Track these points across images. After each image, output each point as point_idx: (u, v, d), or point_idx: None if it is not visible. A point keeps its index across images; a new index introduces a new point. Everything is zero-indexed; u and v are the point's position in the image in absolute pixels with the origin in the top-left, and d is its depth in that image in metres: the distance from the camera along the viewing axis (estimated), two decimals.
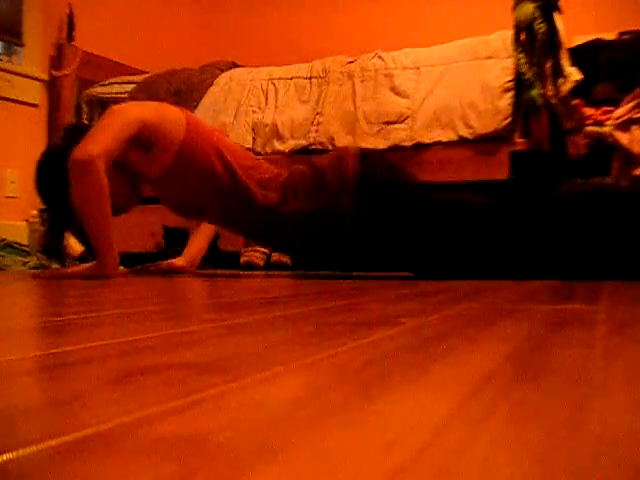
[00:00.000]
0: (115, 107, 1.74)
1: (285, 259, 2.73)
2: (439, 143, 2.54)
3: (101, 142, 1.63)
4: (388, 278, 1.69)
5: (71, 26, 3.29)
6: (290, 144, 2.77)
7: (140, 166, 1.78)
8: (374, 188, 1.71)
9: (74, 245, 2.60)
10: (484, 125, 2.46)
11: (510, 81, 2.47)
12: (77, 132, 1.93)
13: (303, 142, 2.75)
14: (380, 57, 2.82)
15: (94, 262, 1.72)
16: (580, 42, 2.85)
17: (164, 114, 1.77)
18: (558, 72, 2.36)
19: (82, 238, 2.38)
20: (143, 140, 1.72)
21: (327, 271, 1.97)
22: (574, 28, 2.77)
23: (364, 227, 1.70)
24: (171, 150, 1.75)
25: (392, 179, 1.75)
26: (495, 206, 1.70)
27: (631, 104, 2.48)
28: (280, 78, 2.96)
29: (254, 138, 2.84)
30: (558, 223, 1.63)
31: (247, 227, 1.85)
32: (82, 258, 2.51)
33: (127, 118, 1.69)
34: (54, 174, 1.81)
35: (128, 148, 1.71)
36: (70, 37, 3.28)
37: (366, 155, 1.77)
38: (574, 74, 2.38)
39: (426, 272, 1.72)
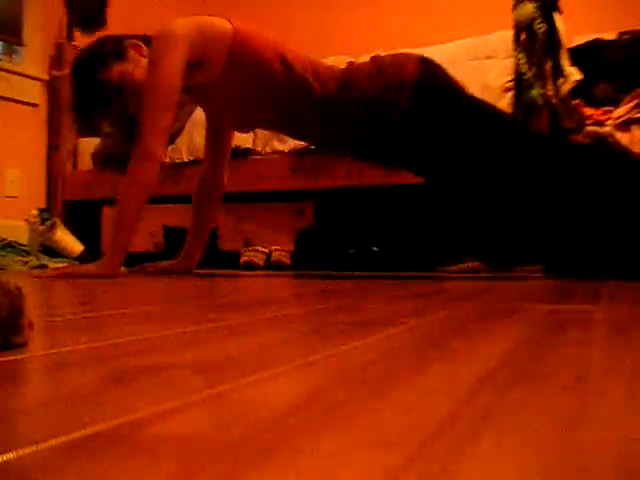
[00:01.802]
0: (162, 34, 1.74)
1: (285, 259, 2.73)
2: None
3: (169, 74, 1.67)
4: (388, 278, 1.68)
5: (71, 26, 3.29)
6: (290, 144, 2.77)
7: (193, 82, 1.80)
8: (430, 90, 1.74)
9: (73, 245, 2.60)
10: None
11: (510, 81, 2.47)
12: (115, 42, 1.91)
13: (303, 142, 2.75)
14: None
15: (95, 262, 1.72)
16: (580, 42, 2.85)
17: (209, 29, 1.78)
18: (558, 72, 2.36)
19: (83, 237, 2.37)
20: (193, 59, 1.74)
21: (378, 159, 1.99)
22: (574, 28, 2.77)
23: (415, 124, 1.73)
24: (220, 62, 1.77)
25: (448, 86, 1.79)
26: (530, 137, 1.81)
27: (631, 104, 2.48)
28: None
29: (254, 138, 2.84)
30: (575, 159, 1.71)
31: (301, 120, 1.84)
32: (81, 258, 2.51)
33: (181, 46, 1.71)
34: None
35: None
36: (70, 37, 3.28)
37: (427, 60, 1.81)
38: (574, 74, 2.38)
39: (457, 182, 1.78)
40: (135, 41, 1.85)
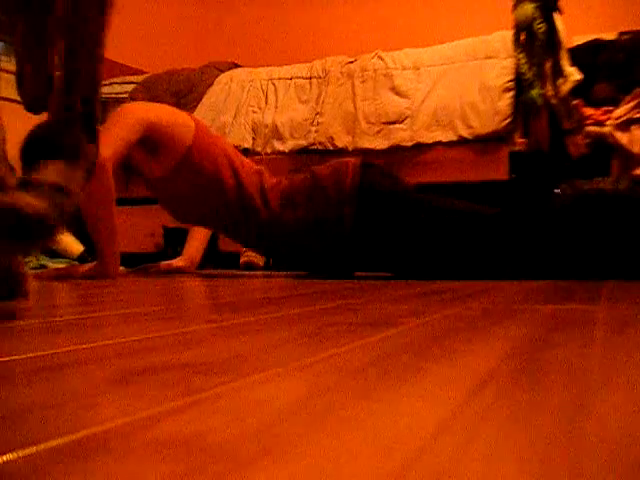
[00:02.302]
0: (125, 108, 1.74)
1: None
2: (439, 143, 2.54)
3: (112, 144, 1.64)
4: (388, 278, 1.69)
5: None
6: (290, 144, 2.78)
7: (142, 166, 1.79)
8: (373, 197, 1.72)
9: (73, 245, 2.60)
10: (484, 125, 2.46)
11: (510, 81, 2.47)
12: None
13: (303, 142, 2.76)
14: (380, 57, 2.82)
15: (95, 262, 1.72)
16: (580, 42, 2.85)
17: (173, 117, 1.78)
18: (558, 72, 2.36)
19: (83, 237, 2.38)
20: (149, 142, 1.73)
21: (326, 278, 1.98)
22: (574, 28, 2.77)
23: (364, 235, 1.71)
24: (177, 154, 1.76)
25: (391, 188, 1.75)
26: (494, 215, 1.69)
27: (631, 104, 2.48)
28: (280, 78, 2.96)
29: (254, 138, 2.84)
30: (558, 228, 1.64)
31: (246, 235, 1.85)
32: (81, 258, 2.51)
33: (137, 120, 1.70)
34: None
35: (133, 148, 1.72)
36: None
37: (365, 165, 1.78)
38: (574, 74, 2.38)
39: (426, 278, 1.73)
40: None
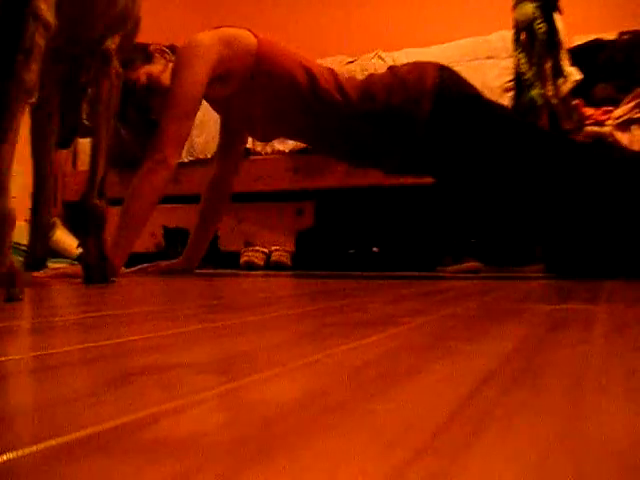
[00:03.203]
0: (189, 46, 1.76)
1: (285, 259, 2.73)
2: None
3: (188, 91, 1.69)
4: (388, 278, 1.69)
5: None
6: (290, 144, 2.77)
7: (214, 94, 1.82)
8: (451, 97, 1.77)
9: (73, 245, 2.60)
10: None
11: (510, 81, 2.47)
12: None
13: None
14: (380, 57, 2.82)
15: None
16: (580, 42, 2.85)
17: (234, 44, 1.80)
18: (558, 72, 2.36)
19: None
20: (217, 72, 1.78)
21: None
22: (574, 28, 2.77)
23: (437, 133, 1.75)
24: (244, 74, 1.79)
25: (468, 92, 1.81)
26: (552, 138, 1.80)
27: (631, 104, 2.48)
28: None
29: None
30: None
31: (325, 131, 1.87)
32: (80, 258, 2.50)
33: (204, 63, 1.73)
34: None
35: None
36: None
37: (445, 68, 1.83)
38: (574, 74, 2.38)
39: (470, 184, 1.79)
40: (161, 46, 1.89)
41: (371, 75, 1.89)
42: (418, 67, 1.83)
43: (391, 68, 1.88)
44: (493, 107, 1.82)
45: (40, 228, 2.10)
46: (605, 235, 1.64)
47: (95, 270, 1.46)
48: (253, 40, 1.82)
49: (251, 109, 1.86)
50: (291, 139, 2.07)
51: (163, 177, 1.67)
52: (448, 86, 1.77)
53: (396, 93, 1.78)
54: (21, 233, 2.89)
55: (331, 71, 1.89)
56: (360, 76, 2.77)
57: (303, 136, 1.94)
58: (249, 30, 1.86)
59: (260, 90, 1.81)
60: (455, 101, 1.76)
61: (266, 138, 2.06)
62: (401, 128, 1.77)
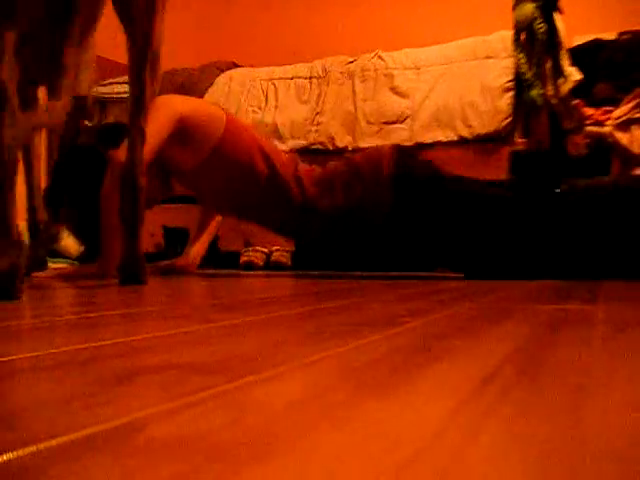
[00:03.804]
0: (157, 102, 1.75)
1: (285, 259, 2.73)
2: (439, 143, 2.54)
3: (149, 144, 1.66)
4: (388, 278, 1.69)
5: None
6: (290, 144, 2.77)
7: (175, 159, 1.80)
8: (410, 183, 1.73)
9: (72, 245, 2.60)
10: (484, 125, 2.46)
11: (510, 81, 2.47)
12: (114, 132, 1.94)
13: (303, 142, 2.76)
14: (380, 57, 2.82)
15: (96, 262, 1.73)
16: (580, 42, 2.85)
17: (204, 109, 1.79)
18: (558, 72, 2.36)
19: (83, 237, 2.38)
20: (181, 134, 1.75)
21: (360, 271, 2.00)
22: (574, 28, 2.77)
23: (400, 223, 1.72)
24: (208, 145, 1.77)
25: (427, 174, 1.77)
26: (519, 199, 1.73)
27: (631, 104, 2.48)
28: (280, 78, 2.96)
29: None
30: (565, 217, 1.67)
31: (282, 224, 1.86)
32: (80, 258, 2.51)
33: (170, 114, 1.71)
34: (84, 172, 1.85)
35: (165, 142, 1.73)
36: None
37: (400, 151, 1.80)
38: (574, 74, 2.38)
39: (458, 268, 1.75)
40: None
41: (328, 167, 1.84)
42: (373, 155, 1.78)
43: (347, 160, 1.84)
44: (456, 184, 1.76)
45: (38, 228, 2.10)
46: (605, 235, 1.64)
47: (131, 272, 1.43)
48: (222, 115, 1.80)
49: (210, 184, 1.83)
50: (245, 221, 2.04)
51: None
52: (405, 171, 1.73)
53: (354, 186, 1.74)
54: (21, 233, 2.88)
55: (292, 160, 1.86)
56: (359, 77, 2.78)
57: (259, 222, 1.92)
58: (220, 106, 1.87)
59: (221, 168, 1.78)
60: (415, 184, 1.72)
61: (219, 212, 2.05)
62: (361, 223, 1.74)
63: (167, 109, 1.71)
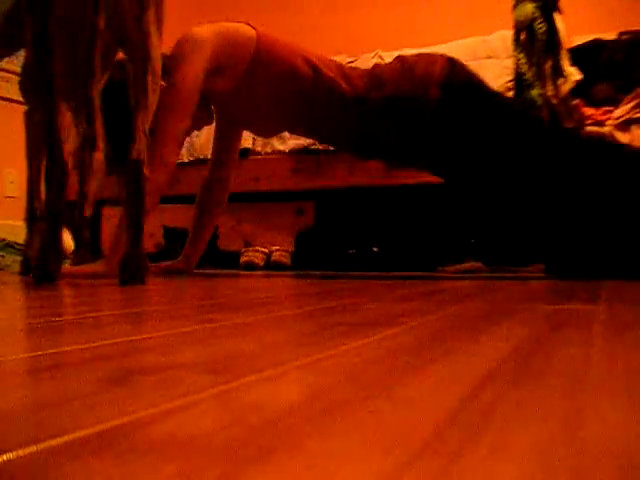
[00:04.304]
0: (186, 44, 1.75)
1: (285, 259, 2.73)
2: None
3: (191, 88, 1.69)
4: (388, 278, 1.68)
5: None
6: (290, 144, 2.77)
7: (212, 87, 1.81)
8: (458, 86, 1.76)
9: (67, 242, 2.60)
10: None
11: (510, 81, 2.47)
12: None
13: (303, 142, 2.76)
14: (380, 57, 2.82)
15: (96, 262, 1.73)
16: (580, 42, 2.85)
17: (232, 36, 1.79)
18: (558, 72, 2.36)
19: (77, 232, 2.38)
20: (215, 64, 1.76)
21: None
22: (574, 28, 2.77)
23: (443, 123, 1.74)
24: (242, 67, 1.78)
25: (475, 84, 1.80)
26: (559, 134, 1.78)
27: (631, 104, 2.48)
28: None
29: (254, 138, 2.84)
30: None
31: (331, 121, 1.85)
32: (74, 257, 2.50)
33: (202, 54, 1.72)
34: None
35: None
36: None
37: (453, 60, 1.82)
38: (574, 74, 2.38)
39: (478, 181, 1.77)
40: None
41: (377, 65, 1.87)
42: (426, 57, 1.82)
43: (399, 57, 1.86)
44: (500, 100, 1.80)
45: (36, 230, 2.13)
46: (605, 235, 1.64)
47: (131, 271, 1.46)
48: (252, 33, 1.81)
49: (253, 103, 1.85)
50: (294, 133, 2.04)
51: (163, 177, 1.66)
52: (456, 77, 1.76)
53: (404, 81, 1.77)
54: (21, 233, 2.89)
55: (335, 62, 1.88)
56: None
57: (306, 129, 1.92)
58: (248, 24, 1.86)
59: (261, 83, 1.80)
60: (462, 92, 1.75)
61: (268, 133, 2.04)
62: (408, 117, 1.76)
63: (199, 49, 1.72)
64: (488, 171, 1.75)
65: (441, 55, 1.83)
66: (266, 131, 2.01)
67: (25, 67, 1.63)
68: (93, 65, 1.34)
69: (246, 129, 2.06)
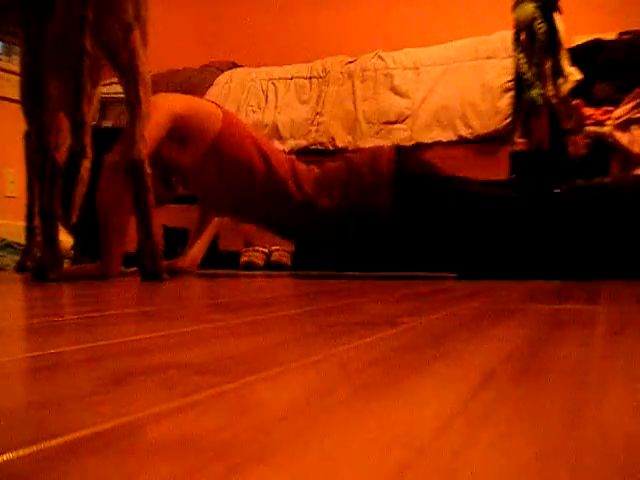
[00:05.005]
0: (153, 102, 1.75)
1: (285, 259, 2.73)
2: (439, 143, 2.54)
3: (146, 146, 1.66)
4: (388, 278, 1.69)
5: None
6: (290, 144, 2.78)
7: (173, 158, 1.80)
8: (410, 183, 1.72)
9: (65, 241, 2.59)
10: (484, 125, 2.46)
11: (510, 81, 2.47)
12: (104, 136, 1.96)
13: (303, 142, 2.76)
14: (380, 57, 2.82)
15: (96, 262, 1.73)
16: (580, 42, 2.85)
17: (199, 107, 1.79)
18: (558, 72, 2.36)
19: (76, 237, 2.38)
20: (177, 132, 1.75)
21: (360, 272, 1.99)
22: (574, 28, 2.77)
23: (399, 223, 1.71)
24: (205, 142, 1.77)
25: (427, 174, 1.76)
26: (520, 200, 1.71)
27: (631, 104, 2.48)
28: (280, 78, 2.96)
29: None
30: (566, 218, 1.65)
31: (280, 223, 1.85)
32: (75, 259, 2.50)
33: (165, 114, 1.71)
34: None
35: (162, 142, 1.73)
36: None
37: (400, 151, 1.79)
38: (574, 74, 2.38)
39: (459, 269, 1.74)
40: None
41: (325, 166, 1.83)
42: (372, 155, 1.77)
43: (346, 158, 1.82)
44: (457, 183, 1.75)
45: (34, 232, 2.19)
46: (604, 235, 1.64)
47: (150, 268, 1.56)
48: (219, 113, 1.80)
49: (208, 183, 1.82)
50: (244, 221, 2.02)
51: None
52: (406, 172, 1.72)
53: (352, 188, 1.73)
54: (21, 233, 2.89)
55: (289, 160, 1.85)
56: (359, 77, 2.77)
57: (259, 220, 1.90)
58: (216, 104, 1.86)
59: (217, 166, 1.77)
60: (414, 184, 1.71)
61: (221, 213, 2.04)
62: (361, 224, 1.73)
63: (162, 109, 1.71)
64: (458, 253, 1.71)
65: (387, 149, 1.78)
66: (219, 210, 2.00)
67: (22, 82, 1.77)
68: (82, 80, 1.42)
69: (200, 203, 2.04)
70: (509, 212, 1.69)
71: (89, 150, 1.42)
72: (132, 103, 1.58)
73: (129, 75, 1.58)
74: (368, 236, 1.74)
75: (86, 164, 1.41)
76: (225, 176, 1.79)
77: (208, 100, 1.87)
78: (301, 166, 1.85)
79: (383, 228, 1.71)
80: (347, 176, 1.75)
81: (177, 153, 1.78)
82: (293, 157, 1.90)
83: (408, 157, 1.78)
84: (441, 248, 1.72)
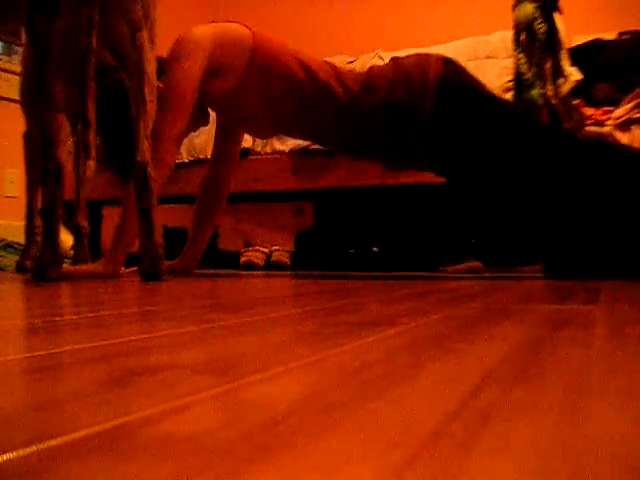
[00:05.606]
0: (181, 42, 1.75)
1: (285, 259, 2.74)
2: None
3: (189, 86, 1.71)
4: (388, 278, 1.68)
5: None
6: (290, 144, 2.78)
7: (210, 90, 1.81)
8: (454, 90, 1.74)
9: (66, 240, 2.59)
10: None
11: (510, 81, 2.47)
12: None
13: (303, 142, 2.76)
14: (380, 57, 2.82)
15: (96, 262, 1.73)
16: (580, 42, 2.85)
17: (227, 36, 1.79)
18: (558, 72, 2.36)
19: (75, 232, 2.38)
20: (210, 68, 1.76)
21: (398, 165, 1.99)
22: (574, 28, 2.77)
23: (439, 126, 1.73)
24: (239, 69, 1.78)
25: (471, 86, 1.78)
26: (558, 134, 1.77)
27: (631, 104, 2.48)
28: None
29: (254, 138, 2.85)
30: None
31: (326, 125, 1.84)
32: (75, 259, 2.50)
33: (199, 57, 1.73)
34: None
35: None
36: None
37: (448, 60, 1.80)
38: (574, 74, 2.38)
39: (478, 181, 1.76)
40: None
41: (372, 68, 1.85)
42: (422, 60, 1.79)
43: (394, 60, 1.85)
44: (497, 102, 1.78)
45: (34, 231, 2.21)
46: (605, 235, 1.64)
47: (150, 269, 1.58)
48: (248, 34, 1.80)
49: (249, 105, 1.84)
50: (290, 135, 2.03)
51: (160, 176, 1.66)
52: (452, 81, 1.74)
53: (399, 87, 1.75)
54: (21, 233, 2.89)
55: (330, 64, 1.87)
56: None
57: (302, 131, 1.91)
58: (244, 25, 1.86)
59: (257, 85, 1.79)
60: (458, 96, 1.73)
61: (265, 135, 2.05)
62: (404, 123, 1.74)
63: (196, 51, 1.72)
64: (487, 173, 1.74)
65: (437, 57, 1.80)
66: (263, 133, 2.01)
67: (23, 82, 1.81)
68: (87, 79, 1.43)
69: (243, 130, 2.06)
70: (543, 141, 1.71)
71: (93, 150, 1.43)
72: (136, 103, 1.59)
73: (135, 75, 1.59)
74: (407, 140, 1.76)
75: (90, 163, 1.42)
76: (264, 94, 1.80)
77: (236, 22, 1.86)
78: (344, 69, 1.88)
79: (424, 131, 1.73)
80: (394, 75, 1.77)
81: (213, 84, 1.79)
82: (335, 64, 1.92)
83: (456, 69, 1.80)
84: (474, 161, 1.74)
